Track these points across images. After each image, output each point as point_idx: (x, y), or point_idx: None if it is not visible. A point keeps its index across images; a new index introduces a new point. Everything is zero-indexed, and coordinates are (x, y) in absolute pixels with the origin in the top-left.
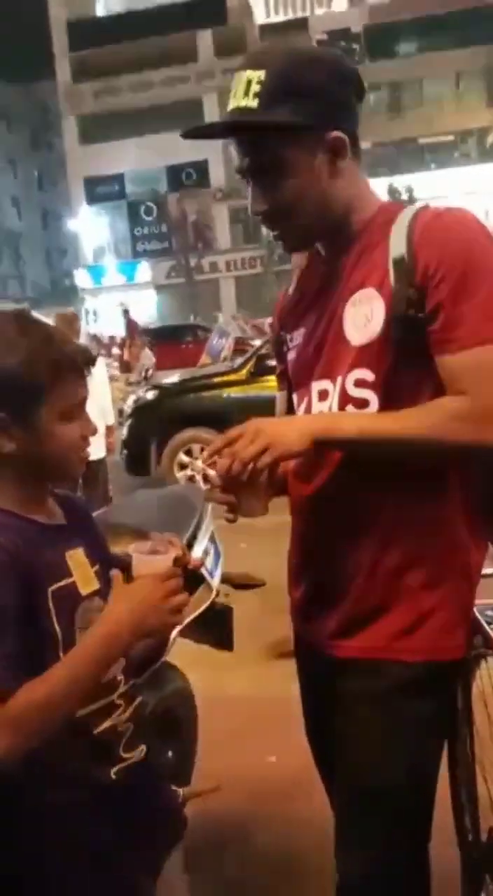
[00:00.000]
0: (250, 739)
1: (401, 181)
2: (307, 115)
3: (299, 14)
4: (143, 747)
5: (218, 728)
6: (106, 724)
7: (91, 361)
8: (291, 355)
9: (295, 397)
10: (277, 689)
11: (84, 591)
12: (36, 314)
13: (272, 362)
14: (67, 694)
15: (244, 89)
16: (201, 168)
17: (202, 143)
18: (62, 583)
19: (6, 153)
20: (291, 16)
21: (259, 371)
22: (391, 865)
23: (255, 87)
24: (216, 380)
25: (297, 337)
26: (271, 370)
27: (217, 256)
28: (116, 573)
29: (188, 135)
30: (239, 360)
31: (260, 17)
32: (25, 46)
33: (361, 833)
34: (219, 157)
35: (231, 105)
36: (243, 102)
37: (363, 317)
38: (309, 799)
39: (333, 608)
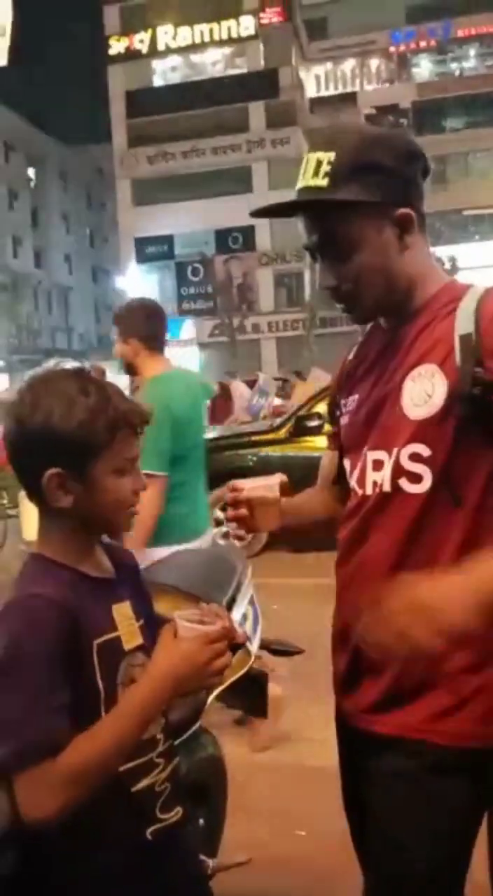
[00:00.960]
0: (279, 811)
1: (445, 251)
2: (375, 192)
3: (349, 89)
4: (179, 809)
5: (246, 797)
6: (144, 783)
7: (146, 420)
8: (344, 420)
9: (347, 462)
10: (308, 759)
11: (128, 645)
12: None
13: (312, 423)
14: (115, 750)
15: (314, 169)
16: (248, 233)
17: (250, 209)
18: (107, 637)
19: (61, 210)
20: (341, 90)
21: (298, 431)
22: None
23: (325, 168)
24: (255, 438)
25: (351, 403)
26: (310, 430)
27: (260, 317)
28: (167, 627)
29: (258, 213)
30: (278, 420)
31: (311, 91)
32: (85, 112)
33: None
34: (266, 224)
35: (300, 184)
36: (313, 182)
37: (423, 392)
38: (340, 876)
39: (373, 681)
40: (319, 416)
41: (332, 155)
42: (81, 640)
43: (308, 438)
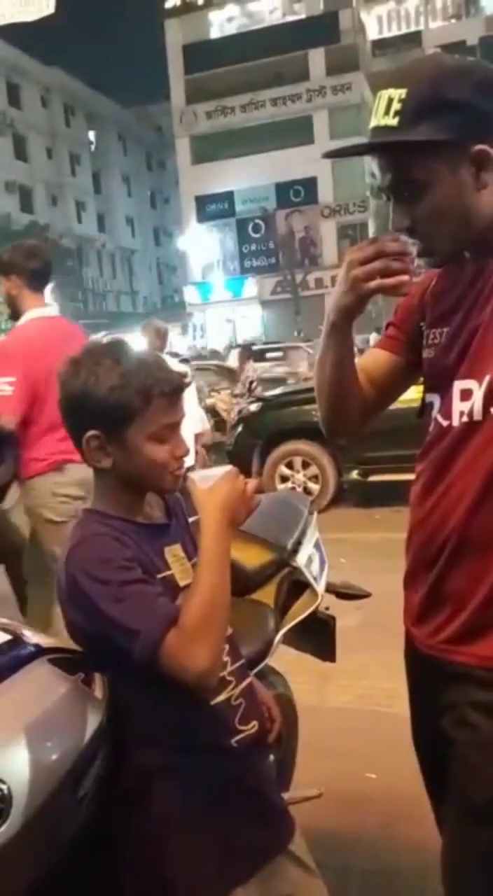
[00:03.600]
0: (350, 753)
1: None
2: (449, 130)
3: (413, 28)
4: (255, 723)
5: (318, 739)
6: (221, 698)
7: (180, 388)
8: (428, 353)
9: (432, 398)
10: (378, 705)
11: (182, 582)
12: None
13: None
14: (216, 590)
15: (385, 108)
16: (310, 185)
17: (312, 161)
18: (162, 574)
19: (122, 173)
20: (404, 30)
21: None
22: None
23: (396, 106)
24: None
25: (438, 335)
26: None
27: (323, 272)
28: (190, 481)
29: (330, 154)
30: None
31: (373, 33)
32: (142, 71)
33: (473, 843)
34: (328, 174)
35: (372, 123)
36: (384, 121)
37: None
38: (410, 820)
39: (454, 613)
40: None
41: (403, 91)
42: (146, 573)
43: None
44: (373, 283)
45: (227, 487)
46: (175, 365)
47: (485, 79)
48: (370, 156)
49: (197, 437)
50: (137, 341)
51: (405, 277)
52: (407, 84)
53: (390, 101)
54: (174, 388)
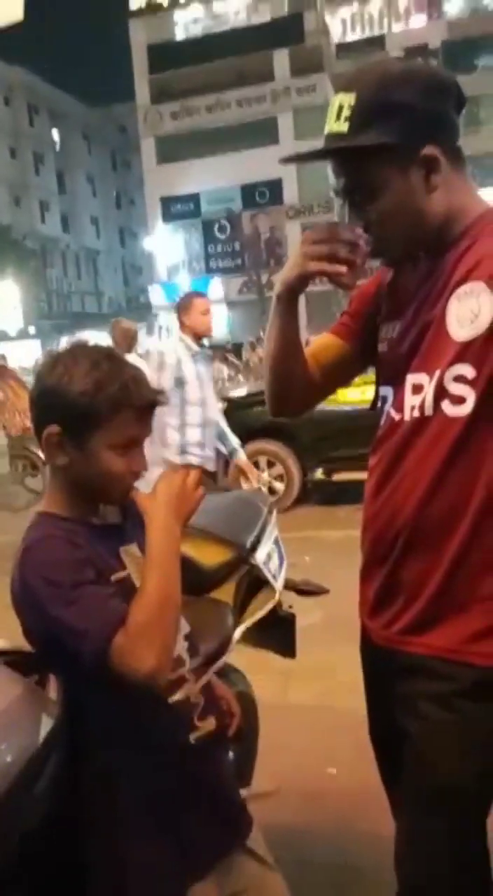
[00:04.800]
0: (310, 749)
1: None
2: (397, 134)
3: (377, 32)
4: (213, 720)
5: (278, 736)
6: (179, 695)
7: (152, 405)
8: (382, 347)
9: (385, 390)
10: (339, 701)
11: (138, 582)
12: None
13: None
14: (164, 589)
15: (337, 113)
16: (275, 186)
17: (277, 162)
18: (118, 575)
19: (87, 173)
20: (368, 34)
21: None
22: (457, 862)
23: (346, 112)
24: None
25: (390, 329)
26: None
27: None
28: (134, 491)
29: (288, 160)
30: None
31: (337, 36)
32: (106, 70)
33: (426, 830)
34: (293, 176)
35: (326, 129)
36: (336, 128)
37: (469, 311)
38: (367, 814)
39: (406, 604)
40: None
41: (352, 97)
42: (100, 574)
43: (338, 391)
44: (315, 265)
45: (164, 485)
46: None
47: (431, 81)
48: (326, 161)
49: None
50: (104, 342)
51: (344, 269)
52: (356, 89)
53: (341, 107)
54: (146, 404)
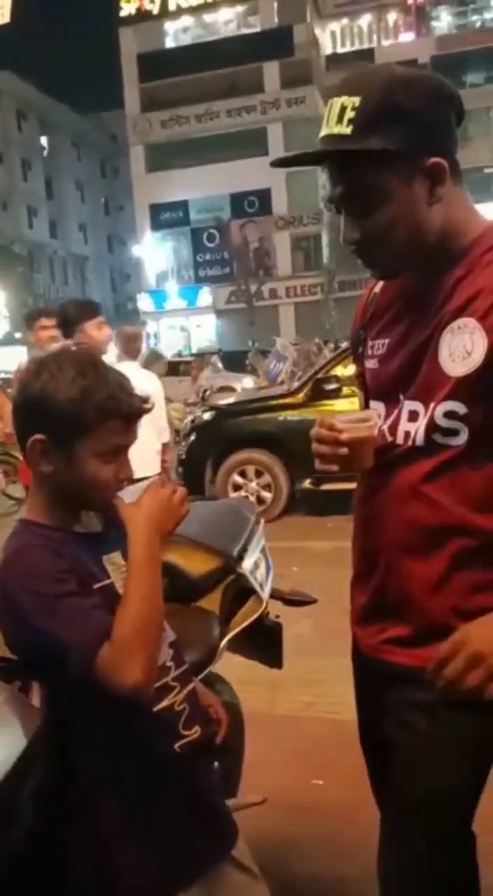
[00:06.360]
0: (298, 760)
1: None
2: (404, 140)
3: (366, 45)
4: (198, 728)
5: (266, 746)
6: (164, 703)
7: (139, 413)
8: (370, 363)
9: (380, 407)
10: (326, 712)
11: (122, 590)
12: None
13: (330, 386)
14: (147, 602)
15: (338, 115)
16: (264, 196)
17: (266, 172)
18: (101, 584)
19: (75, 179)
20: (357, 46)
21: (316, 395)
22: (437, 873)
23: (349, 114)
24: (272, 402)
25: (379, 346)
26: (328, 394)
27: (277, 283)
28: (116, 499)
29: (279, 163)
30: (296, 384)
31: (327, 49)
32: (96, 78)
33: (406, 838)
34: (282, 186)
35: (323, 132)
36: (337, 129)
37: (462, 348)
38: (354, 826)
39: (392, 619)
40: (337, 378)
41: (357, 100)
42: (83, 583)
43: (326, 402)
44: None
45: (149, 498)
46: (143, 380)
47: (438, 90)
48: (321, 166)
49: (164, 448)
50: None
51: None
52: (361, 92)
53: (344, 108)
54: (132, 413)
